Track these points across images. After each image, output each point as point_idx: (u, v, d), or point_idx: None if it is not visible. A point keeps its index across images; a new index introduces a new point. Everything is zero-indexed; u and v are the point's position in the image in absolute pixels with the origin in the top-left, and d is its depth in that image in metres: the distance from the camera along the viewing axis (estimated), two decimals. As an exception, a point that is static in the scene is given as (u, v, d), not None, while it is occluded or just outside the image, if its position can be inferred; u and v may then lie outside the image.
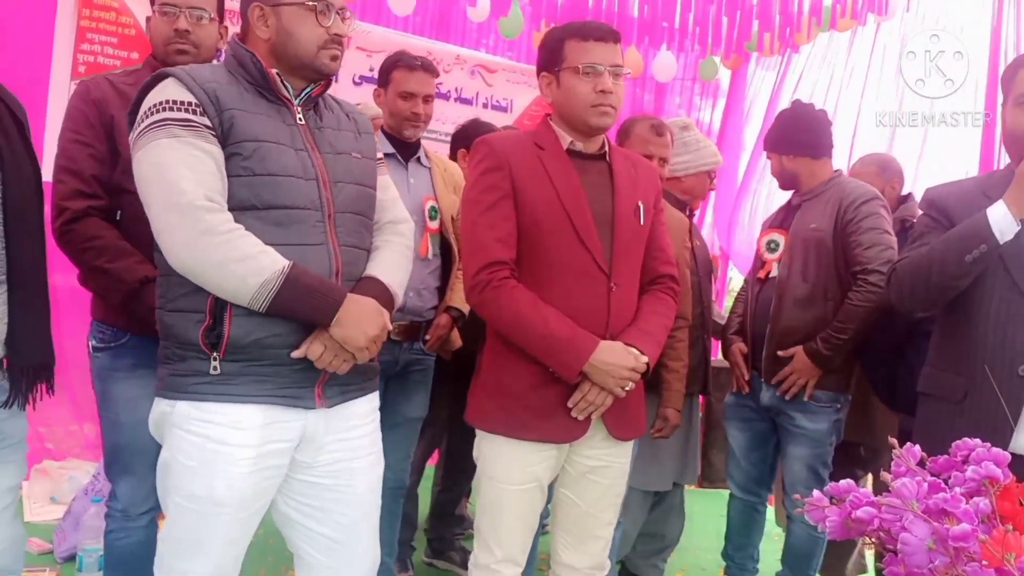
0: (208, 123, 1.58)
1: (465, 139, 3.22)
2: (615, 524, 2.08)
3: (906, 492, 0.87)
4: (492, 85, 4.89)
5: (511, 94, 4.89)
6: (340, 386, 1.72)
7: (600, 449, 1.99)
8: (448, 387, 2.83)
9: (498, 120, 4.36)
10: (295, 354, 1.61)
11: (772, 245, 2.76)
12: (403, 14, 4.45)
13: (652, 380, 2.61)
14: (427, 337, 2.64)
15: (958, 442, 0.96)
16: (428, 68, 2.64)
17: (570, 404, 1.89)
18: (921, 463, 0.99)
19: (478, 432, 2.00)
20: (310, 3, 1.67)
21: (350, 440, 1.76)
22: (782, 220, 2.78)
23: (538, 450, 1.93)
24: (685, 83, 5.62)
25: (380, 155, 1.91)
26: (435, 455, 3.48)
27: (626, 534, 2.79)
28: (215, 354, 1.58)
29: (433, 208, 2.60)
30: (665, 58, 4.84)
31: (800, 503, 2.66)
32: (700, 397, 2.94)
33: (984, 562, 0.80)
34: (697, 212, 3.00)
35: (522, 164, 1.93)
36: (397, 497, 2.70)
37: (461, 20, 4.94)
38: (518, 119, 4.90)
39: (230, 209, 1.58)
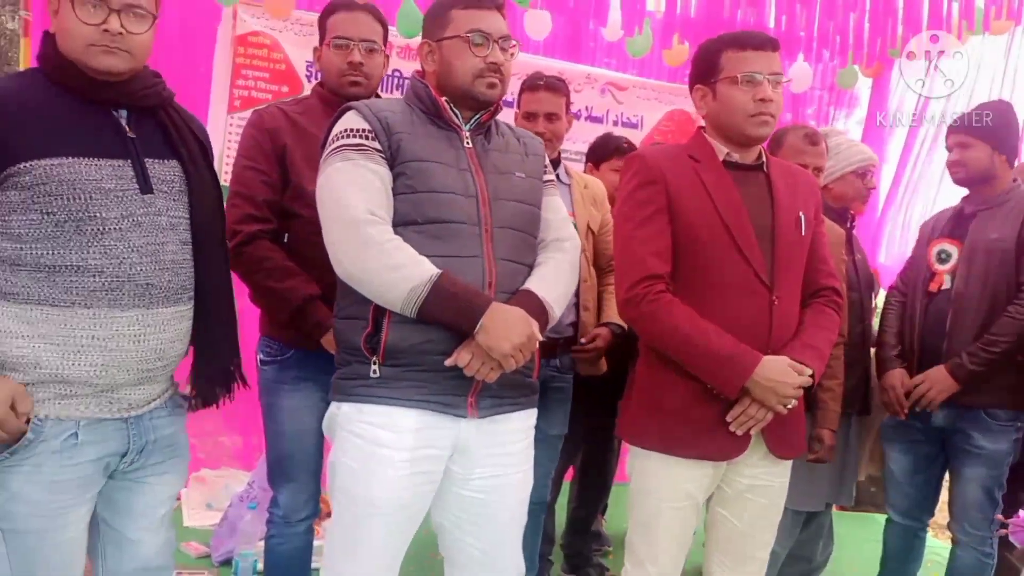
0: (378, 147, 1.70)
1: (599, 152, 3.23)
2: (771, 545, 2.01)
3: None
4: (623, 103, 4.87)
5: (641, 110, 4.85)
6: (493, 398, 1.74)
7: (759, 468, 1.93)
8: (581, 403, 2.81)
9: (630, 137, 4.34)
10: (448, 362, 1.66)
11: (943, 256, 2.61)
12: (540, 38, 4.51)
13: (809, 400, 2.52)
14: (582, 341, 2.58)
15: None
16: (552, 88, 2.69)
17: (729, 418, 1.84)
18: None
19: (632, 448, 1.98)
20: (465, 35, 1.74)
21: (504, 455, 1.79)
22: (952, 230, 2.63)
23: (695, 467, 1.89)
24: (818, 93, 5.43)
25: (550, 177, 1.95)
26: (570, 471, 3.46)
27: (775, 555, 2.69)
28: (375, 358, 1.68)
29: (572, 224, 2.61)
30: (801, 68, 4.68)
31: (969, 528, 2.50)
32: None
33: None
34: (857, 221, 2.85)
35: (678, 177, 1.91)
36: (539, 513, 2.69)
37: (591, 40, 4.96)
38: (648, 135, 4.87)
39: (395, 224, 1.68)
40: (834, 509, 2.94)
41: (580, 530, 3.31)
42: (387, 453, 1.66)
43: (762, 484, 1.94)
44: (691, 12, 4.21)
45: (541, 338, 1.71)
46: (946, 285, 2.56)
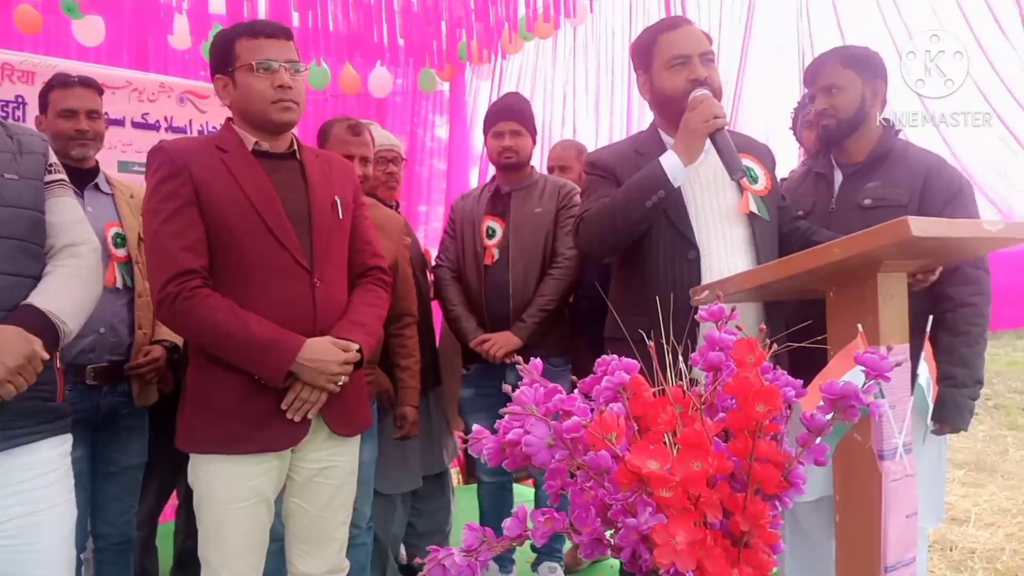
0: None
1: None
2: (348, 524, 2.03)
3: (525, 398, 0.92)
4: (206, 111, 4.67)
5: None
6: (3, 430, 1.54)
7: (325, 450, 1.94)
8: (170, 428, 2.62)
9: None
10: None
11: (490, 232, 2.88)
12: (92, 44, 4.14)
13: (386, 381, 2.60)
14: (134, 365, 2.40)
15: (599, 360, 1.03)
16: (88, 84, 2.48)
17: (284, 405, 1.82)
18: (574, 386, 1.06)
19: (192, 456, 1.87)
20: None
21: (28, 492, 1.59)
22: (493, 208, 2.94)
23: (258, 462, 1.84)
24: (413, 98, 5.71)
25: (56, 177, 1.74)
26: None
27: (395, 536, 2.83)
28: None
29: (118, 235, 2.40)
30: (380, 74, 4.87)
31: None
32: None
33: (593, 447, 0.86)
34: (400, 207, 3.04)
35: (203, 168, 1.84)
36: (125, 553, 2.47)
37: (162, 48, 4.69)
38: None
39: None
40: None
41: (189, 563, 3.08)
42: None
43: (330, 466, 1.95)
44: (259, 14, 4.15)
45: (46, 356, 1.54)
46: (497, 257, 2.82)
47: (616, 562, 2.19)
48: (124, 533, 2.45)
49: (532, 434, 0.91)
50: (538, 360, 0.99)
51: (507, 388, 0.99)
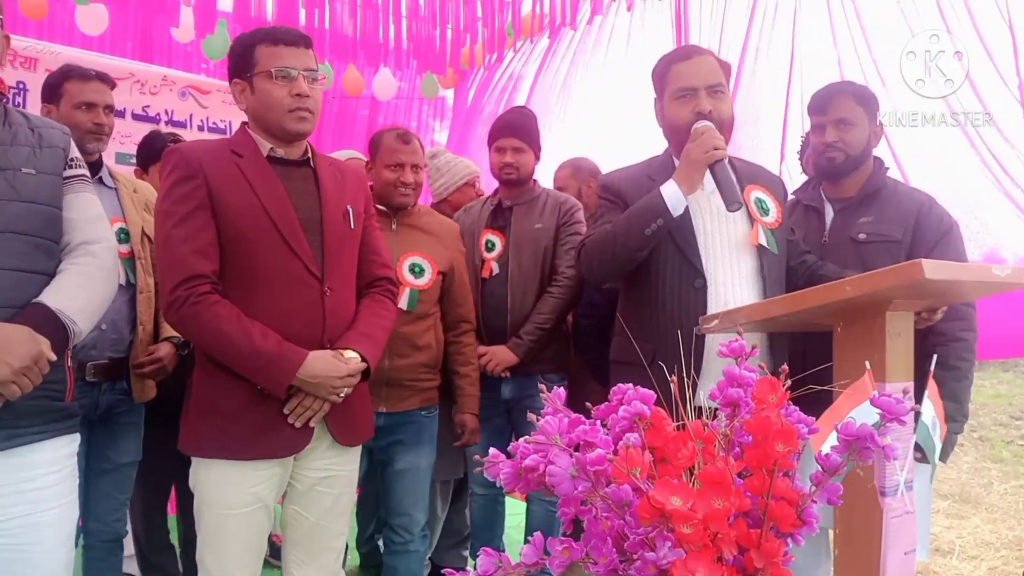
0: None
1: (146, 154, 3.03)
2: (345, 535, 2.04)
3: (550, 428, 0.93)
4: (207, 107, 4.66)
5: (229, 115, 4.68)
6: (8, 428, 1.53)
7: (326, 459, 1.94)
8: (169, 427, 2.61)
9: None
10: None
11: (489, 245, 2.89)
12: (95, 33, 4.12)
13: (446, 389, 2.63)
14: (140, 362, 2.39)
15: (614, 388, 1.04)
16: (104, 78, 2.49)
17: (286, 410, 1.83)
18: (588, 413, 1.07)
19: (194, 460, 1.87)
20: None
21: (30, 492, 1.58)
22: (493, 221, 2.96)
23: (260, 468, 1.84)
24: (413, 103, 5.72)
25: (76, 172, 1.73)
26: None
27: (432, 528, 2.93)
28: None
29: (122, 230, 2.39)
30: (384, 76, 4.88)
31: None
32: None
33: (616, 480, 0.87)
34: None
35: (218, 171, 1.85)
36: (114, 550, 2.46)
37: (166, 40, 4.67)
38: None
39: None
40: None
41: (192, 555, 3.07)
42: None
43: (330, 475, 1.95)
44: (267, 15, 4.15)
45: (53, 357, 1.53)
46: (495, 271, 2.84)
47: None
48: (114, 531, 2.43)
49: (556, 464, 0.92)
50: (562, 390, 1.00)
51: (532, 417, 1.00)
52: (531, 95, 5.30)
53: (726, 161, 1.94)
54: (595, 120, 5.09)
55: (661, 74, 2.11)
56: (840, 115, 2.26)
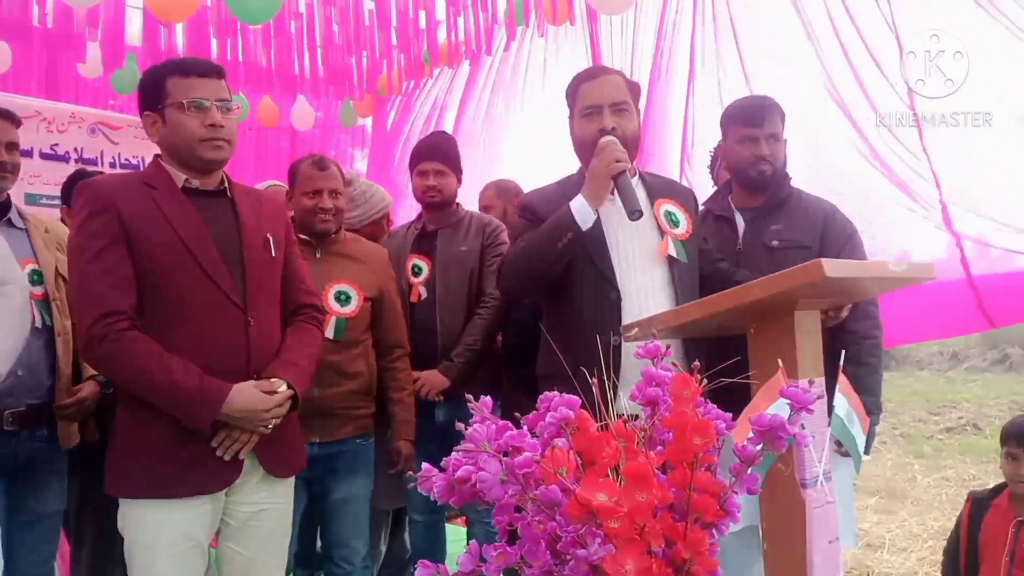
0: None
1: (69, 192, 2.95)
2: (284, 568, 2.01)
3: (478, 436, 0.96)
4: (118, 143, 4.55)
5: (141, 151, 4.56)
6: None
7: (259, 493, 1.92)
8: (96, 474, 2.53)
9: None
10: None
11: (416, 269, 2.90)
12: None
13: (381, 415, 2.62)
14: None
15: (541, 396, 1.07)
16: (7, 115, 2.41)
17: (214, 443, 1.80)
18: (518, 423, 1.09)
19: (121, 501, 1.82)
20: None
21: None
22: (419, 246, 2.96)
23: (190, 506, 1.80)
24: (332, 132, 5.70)
25: None
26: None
27: (374, 559, 2.91)
28: None
29: (35, 272, 2.32)
30: (301, 105, 4.87)
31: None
32: None
33: (544, 482, 0.90)
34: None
35: (132, 205, 1.82)
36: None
37: (73, 77, 4.56)
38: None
39: None
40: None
41: None
42: None
43: (264, 508, 1.93)
44: (177, 47, 4.10)
45: None
46: (423, 295, 2.85)
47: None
48: (47, 584, 2.34)
49: (485, 470, 0.94)
50: (488, 398, 1.03)
51: (461, 426, 1.02)
52: (458, 123, 5.34)
53: (628, 173, 2.01)
54: (519, 145, 5.16)
55: (571, 93, 2.18)
56: (774, 130, 2.38)
